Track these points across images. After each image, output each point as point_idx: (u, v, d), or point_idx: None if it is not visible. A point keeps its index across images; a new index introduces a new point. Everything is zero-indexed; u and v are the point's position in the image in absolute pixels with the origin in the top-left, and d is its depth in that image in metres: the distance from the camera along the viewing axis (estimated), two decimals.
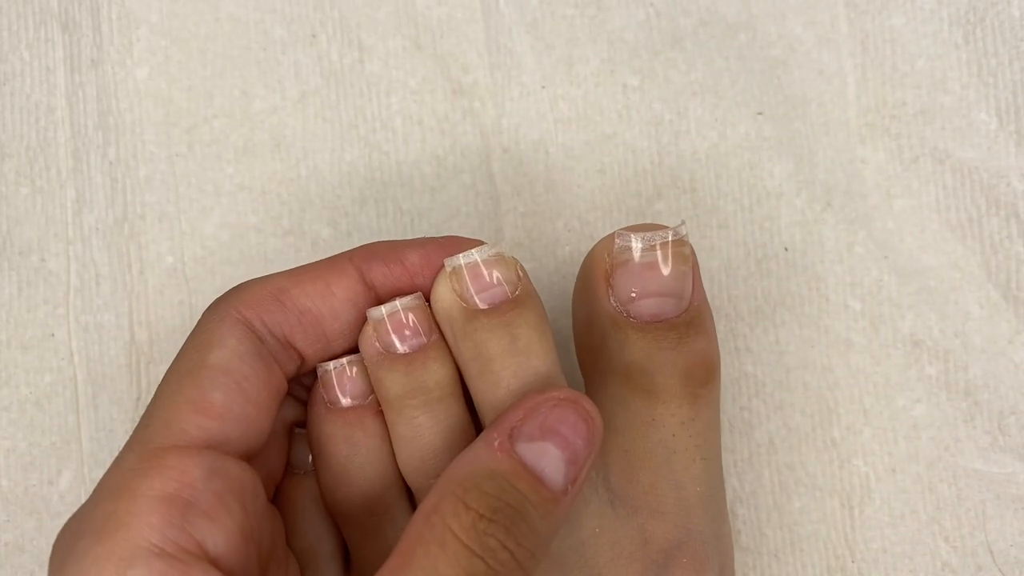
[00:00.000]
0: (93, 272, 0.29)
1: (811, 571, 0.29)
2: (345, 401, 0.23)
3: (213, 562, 0.19)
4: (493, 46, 0.30)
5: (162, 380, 0.22)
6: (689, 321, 0.23)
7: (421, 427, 0.22)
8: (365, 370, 0.23)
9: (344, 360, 0.24)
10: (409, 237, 0.29)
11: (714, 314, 0.29)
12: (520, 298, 0.22)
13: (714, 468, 0.24)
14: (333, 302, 0.23)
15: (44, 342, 0.29)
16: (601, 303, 0.23)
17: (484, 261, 0.22)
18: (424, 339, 0.23)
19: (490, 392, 0.22)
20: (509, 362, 0.22)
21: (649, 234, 0.23)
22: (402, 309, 0.23)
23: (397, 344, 0.23)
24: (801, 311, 0.29)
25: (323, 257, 0.29)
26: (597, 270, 0.23)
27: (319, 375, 0.24)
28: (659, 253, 0.23)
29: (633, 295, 0.23)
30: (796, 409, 0.29)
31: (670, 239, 0.23)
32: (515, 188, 0.30)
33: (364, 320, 0.23)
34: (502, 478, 0.19)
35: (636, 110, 0.30)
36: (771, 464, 0.29)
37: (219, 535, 0.19)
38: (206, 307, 0.23)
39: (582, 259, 0.29)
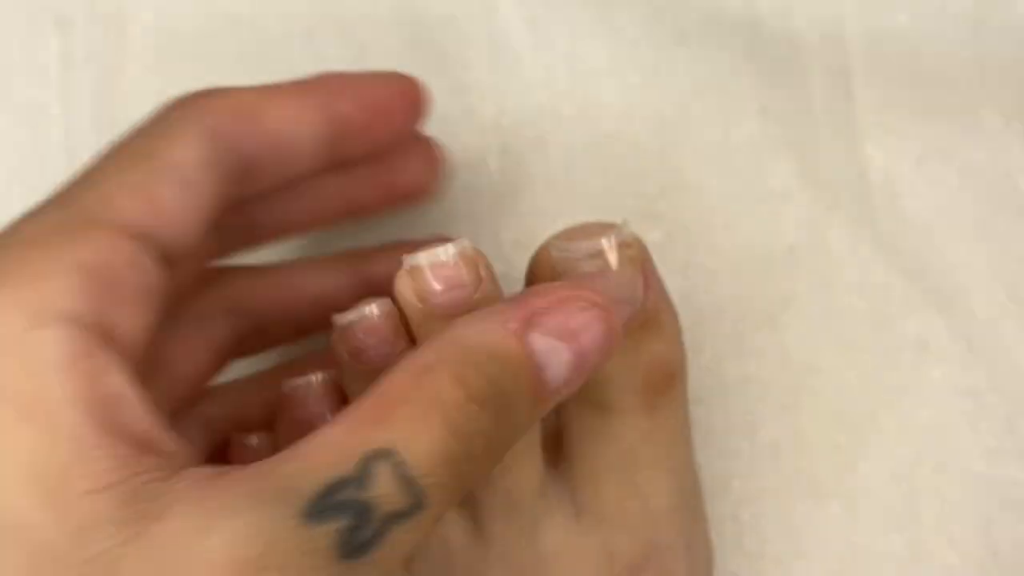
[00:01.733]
0: None
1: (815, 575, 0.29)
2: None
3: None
4: (493, 43, 0.30)
5: (102, 155, 0.20)
6: (643, 324, 0.21)
7: None
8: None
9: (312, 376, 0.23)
10: (410, 237, 0.29)
11: (718, 315, 0.29)
12: (479, 301, 0.20)
13: (684, 477, 0.23)
14: (302, 129, 0.21)
15: None
16: None
17: (444, 262, 0.21)
18: (390, 349, 0.21)
19: None
20: None
21: (587, 243, 0.21)
22: (372, 315, 0.21)
23: (368, 353, 0.21)
24: (806, 313, 0.29)
25: (316, 256, 0.29)
26: (544, 279, 0.21)
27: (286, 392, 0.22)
28: (601, 260, 0.21)
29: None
30: (801, 412, 0.29)
31: (606, 245, 0.21)
32: (515, 187, 0.29)
33: (324, 163, 0.22)
34: (506, 363, 0.18)
35: (638, 108, 0.30)
36: (775, 467, 0.29)
37: (129, 328, 0.18)
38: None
39: None
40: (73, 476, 0.16)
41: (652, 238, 0.29)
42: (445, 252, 0.21)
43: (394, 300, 0.22)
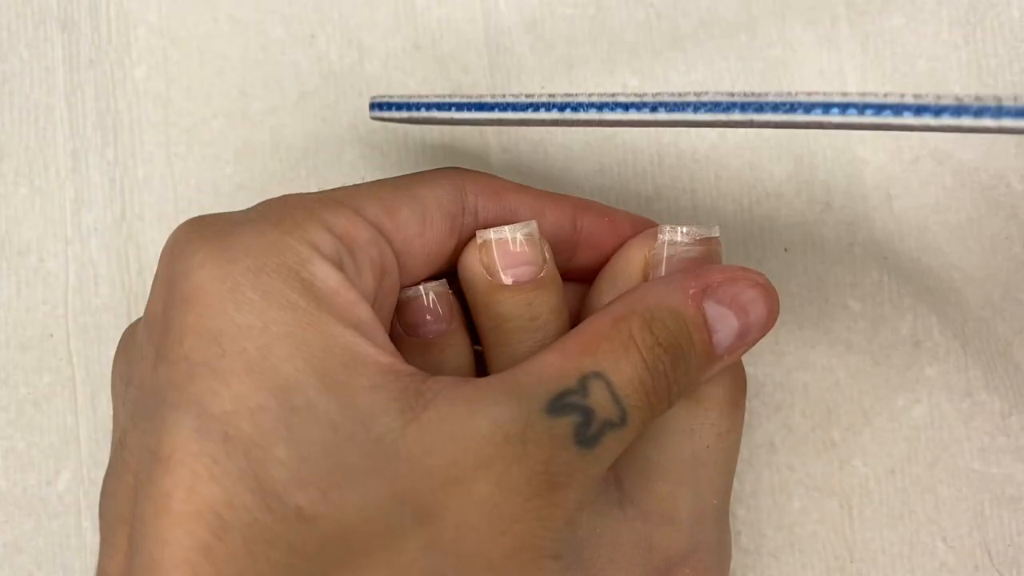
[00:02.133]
0: (92, 272, 0.29)
1: (810, 572, 0.29)
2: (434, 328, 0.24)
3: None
4: (493, 46, 0.30)
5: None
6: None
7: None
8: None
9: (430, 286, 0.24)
10: None
11: None
12: (544, 280, 0.23)
13: (731, 481, 0.24)
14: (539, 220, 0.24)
15: (43, 342, 0.29)
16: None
17: (514, 239, 0.23)
18: (444, 325, 0.23)
19: (506, 363, 0.23)
20: (526, 337, 0.23)
21: (692, 228, 0.23)
22: (426, 294, 0.23)
23: (423, 329, 0.23)
24: (801, 312, 0.29)
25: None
26: (633, 265, 0.24)
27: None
28: (703, 249, 0.23)
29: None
30: (796, 410, 0.29)
31: (712, 235, 0.23)
32: None
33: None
34: (684, 321, 0.21)
35: None
36: (771, 465, 0.29)
37: (363, 285, 0.21)
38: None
39: None
40: (352, 375, 0.19)
41: None
42: (514, 231, 0.23)
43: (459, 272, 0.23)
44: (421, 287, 0.23)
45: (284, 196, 0.21)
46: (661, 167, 0.30)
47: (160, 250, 0.29)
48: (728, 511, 0.25)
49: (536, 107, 0.21)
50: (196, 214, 0.29)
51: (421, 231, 0.22)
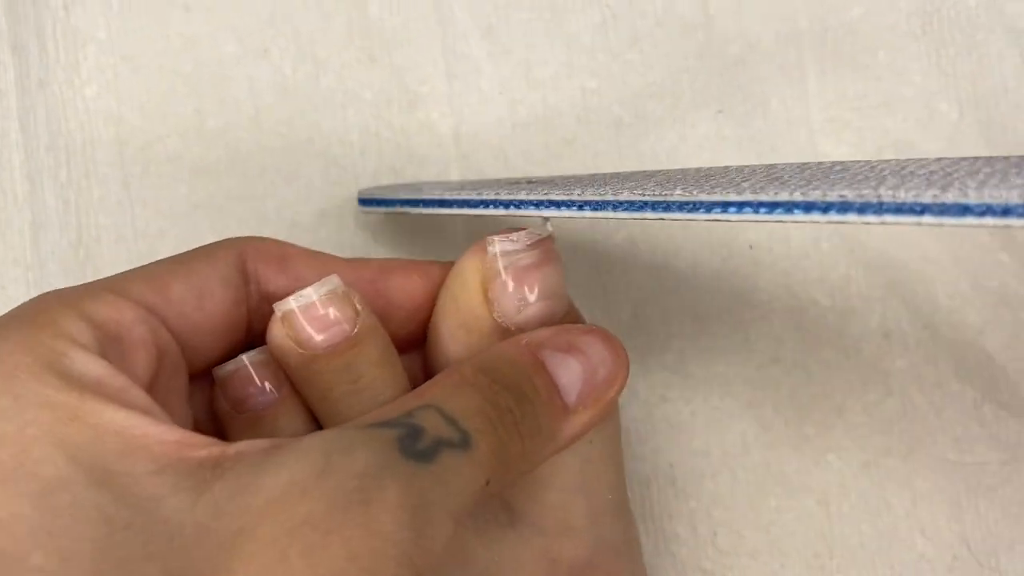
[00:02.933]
0: None
1: (790, 570, 0.29)
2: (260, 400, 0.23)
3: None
4: (449, 54, 0.30)
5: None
6: (565, 319, 0.22)
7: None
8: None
9: (244, 358, 0.23)
10: (372, 252, 0.29)
11: (681, 314, 0.29)
12: (360, 336, 0.21)
13: (620, 474, 0.24)
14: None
15: None
16: (480, 319, 0.22)
17: (318, 301, 0.21)
18: (273, 395, 0.22)
19: None
20: (355, 401, 0.21)
21: (521, 233, 0.22)
22: (248, 364, 0.22)
23: (249, 403, 0.22)
24: (769, 308, 0.29)
25: None
26: (470, 282, 0.22)
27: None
28: (538, 252, 0.22)
29: (519, 303, 0.22)
30: (768, 407, 0.29)
31: (545, 234, 0.22)
32: None
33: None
34: (522, 368, 0.20)
35: (595, 113, 0.30)
36: (745, 464, 0.29)
37: (135, 372, 0.20)
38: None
39: None
40: (129, 462, 0.17)
41: (615, 240, 0.29)
42: (317, 290, 0.21)
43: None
44: (242, 357, 0.22)
45: (41, 294, 0.20)
46: (623, 169, 0.30)
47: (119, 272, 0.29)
48: (627, 504, 0.24)
49: (509, 204, 0.22)
50: (154, 234, 0.29)
51: (199, 305, 0.21)
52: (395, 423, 0.18)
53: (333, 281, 0.21)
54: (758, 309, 0.29)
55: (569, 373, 0.21)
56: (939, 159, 0.20)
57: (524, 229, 0.22)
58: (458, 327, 0.22)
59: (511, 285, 0.22)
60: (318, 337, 0.21)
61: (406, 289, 0.23)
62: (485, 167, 0.29)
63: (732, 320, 0.29)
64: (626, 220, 0.29)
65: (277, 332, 0.21)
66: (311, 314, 0.21)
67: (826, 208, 0.17)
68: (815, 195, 0.17)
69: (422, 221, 0.29)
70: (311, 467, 0.17)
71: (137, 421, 0.18)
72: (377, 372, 0.22)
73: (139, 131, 0.29)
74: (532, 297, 0.22)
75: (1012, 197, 0.15)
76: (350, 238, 0.29)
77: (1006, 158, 0.20)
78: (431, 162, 0.29)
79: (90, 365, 0.18)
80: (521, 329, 0.22)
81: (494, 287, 0.22)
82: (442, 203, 0.23)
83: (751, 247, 0.29)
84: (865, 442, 0.29)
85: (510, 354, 0.21)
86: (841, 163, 0.21)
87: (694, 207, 0.19)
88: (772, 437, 0.29)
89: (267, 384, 0.22)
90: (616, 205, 0.20)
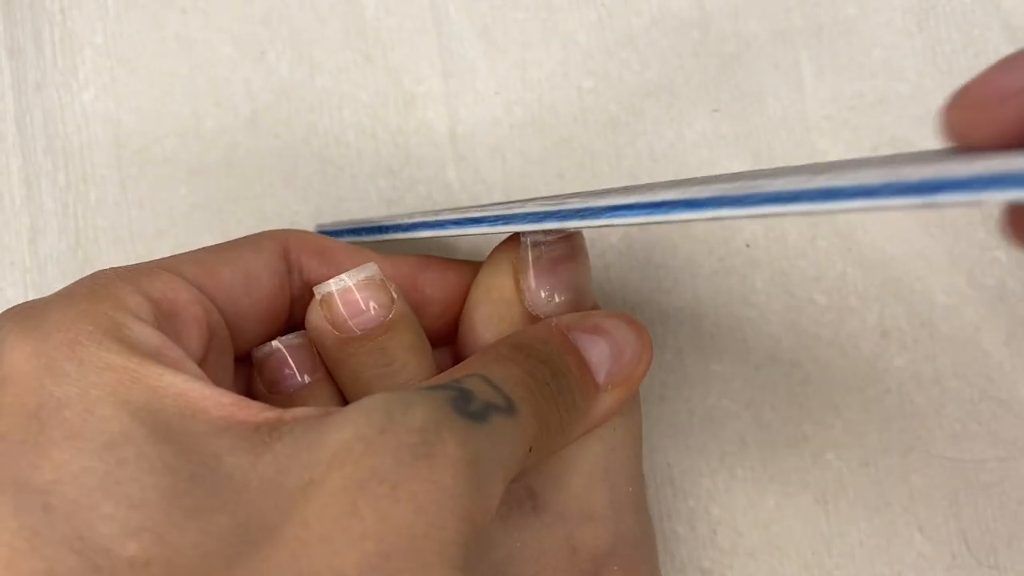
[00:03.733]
0: None
1: (788, 568, 0.29)
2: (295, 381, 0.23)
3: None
4: (445, 54, 0.30)
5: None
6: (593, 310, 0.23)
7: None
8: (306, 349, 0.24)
9: (282, 340, 0.24)
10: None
11: (679, 313, 0.29)
12: (394, 321, 0.22)
13: (641, 466, 0.24)
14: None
15: None
16: (511, 308, 0.23)
17: (355, 286, 0.22)
18: (307, 378, 0.23)
19: None
20: (387, 384, 0.22)
21: (551, 229, 0.23)
22: (283, 347, 0.23)
23: (283, 384, 0.23)
24: (766, 307, 0.29)
25: None
26: (503, 272, 0.23)
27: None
28: (567, 246, 0.23)
29: (548, 293, 0.23)
30: (766, 406, 0.29)
31: (572, 229, 0.23)
32: (473, 196, 0.29)
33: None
34: (553, 346, 0.21)
35: (592, 112, 0.30)
36: (743, 462, 0.29)
37: (187, 343, 0.21)
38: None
39: None
40: (188, 422, 0.18)
41: (611, 240, 0.29)
42: (353, 276, 0.22)
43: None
44: (276, 341, 0.23)
45: (98, 271, 0.21)
46: (620, 168, 0.30)
47: None
48: (645, 499, 0.24)
49: (464, 223, 0.23)
50: (151, 235, 0.29)
51: (247, 291, 0.22)
52: (447, 387, 0.19)
53: (371, 268, 0.23)
54: (755, 308, 0.29)
55: (598, 352, 0.22)
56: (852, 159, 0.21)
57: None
58: (490, 315, 0.23)
59: (542, 276, 0.23)
60: (354, 320, 0.22)
61: (440, 284, 0.24)
62: (482, 167, 0.29)
63: (729, 319, 0.29)
64: None
65: (315, 314, 0.23)
66: (348, 298, 0.22)
67: (703, 204, 0.17)
68: (696, 190, 0.18)
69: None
70: (374, 423, 0.17)
71: (195, 385, 0.19)
72: (409, 357, 0.22)
73: (136, 133, 0.29)
74: (560, 287, 0.23)
75: (871, 178, 0.15)
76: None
77: (914, 153, 0.20)
78: (428, 163, 0.29)
79: (149, 335, 0.19)
80: (549, 315, 0.23)
81: (526, 277, 0.23)
82: (414, 227, 0.24)
83: (748, 246, 0.29)
84: (863, 440, 0.29)
85: (542, 334, 0.21)
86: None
87: (590, 212, 0.20)
88: (770, 436, 0.29)
89: (301, 367, 0.23)
90: (523, 217, 0.21)
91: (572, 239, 0.23)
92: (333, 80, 0.29)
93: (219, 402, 0.19)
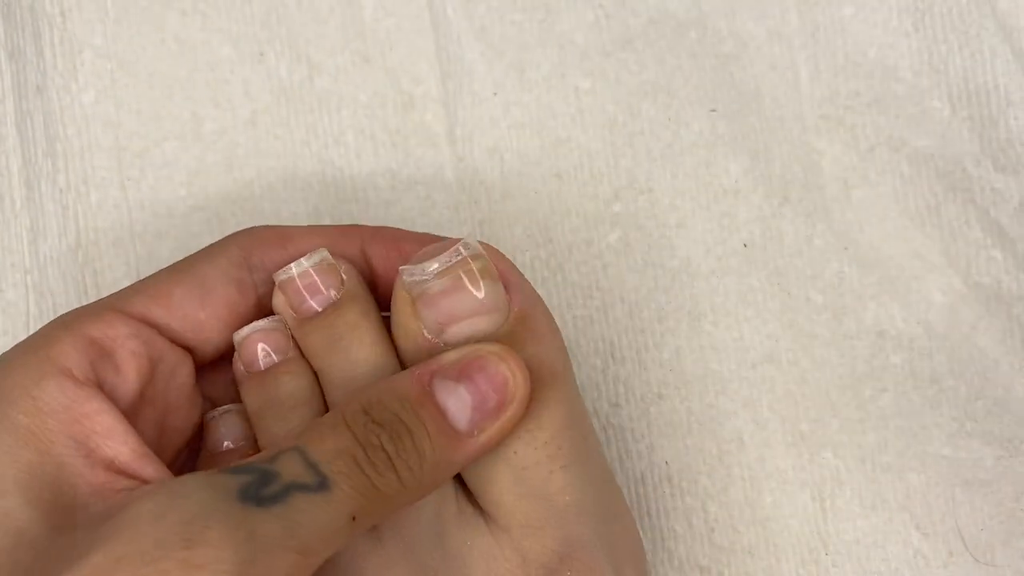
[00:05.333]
0: (51, 302, 0.29)
1: (785, 565, 0.29)
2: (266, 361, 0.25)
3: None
4: (443, 55, 0.30)
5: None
6: (511, 331, 0.23)
7: (276, 437, 0.24)
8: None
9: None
10: None
11: (676, 312, 0.29)
12: (341, 301, 0.24)
13: (583, 472, 0.24)
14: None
15: None
16: (416, 338, 0.23)
17: (308, 271, 0.24)
18: (279, 356, 0.24)
19: (328, 391, 0.24)
20: (334, 360, 0.24)
21: (431, 263, 0.23)
22: (253, 331, 0.24)
23: (258, 363, 0.24)
24: (763, 306, 0.29)
25: None
26: (402, 306, 0.23)
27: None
28: (455, 276, 0.23)
29: (438, 325, 0.23)
30: (763, 404, 0.29)
31: (450, 262, 0.23)
32: (471, 197, 0.30)
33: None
34: (407, 401, 0.22)
35: (589, 113, 0.30)
36: (740, 460, 0.29)
37: (123, 389, 0.23)
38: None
39: (543, 265, 0.29)
40: (55, 492, 0.21)
41: (609, 240, 0.30)
42: (305, 263, 0.24)
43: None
44: (250, 325, 0.24)
45: (56, 318, 0.23)
46: (617, 168, 0.30)
47: (118, 276, 0.29)
48: (608, 501, 0.24)
49: None
50: (151, 238, 0.29)
51: (201, 304, 0.24)
52: (249, 469, 0.20)
53: (321, 253, 0.24)
54: (752, 307, 0.29)
55: (458, 401, 0.22)
56: None
57: (450, 246, 0.23)
58: (401, 335, 0.24)
59: (426, 310, 0.23)
60: (305, 303, 0.24)
61: (385, 259, 0.25)
62: (480, 168, 0.30)
63: (727, 318, 0.29)
64: (620, 220, 0.29)
65: (278, 299, 0.24)
66: (302, 282, 0.24)
67: None
68: None
69: (419, 222, 0.29)
70: (151, 510, 0.19)
71: (83, 452, 0.21)
72: (354, 332, 0.24)
73: (136, 135, 0.29)
74: (448, 320, 0.23)
75: None
76: None
77: None
78: (426, 163, 0.30)
79: (61, 392, 0.22)
80: (449, 344, 0.23)
81: (418, 309, 0.23)
82: None
83: (745, 245, 0.29)
84: (860, 438, 0.29)
85: (400, 388, 0.22)
86: None
87: None
88: (767, 434, 0.29)
89: (270, 347, 0.24)
90: None
91: (451, 271, 0.23)
92: (332, 81, 0.30)
93: (88, 481, 0.21)
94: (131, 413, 0.23)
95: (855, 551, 0.29)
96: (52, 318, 0.29)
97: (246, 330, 0.25)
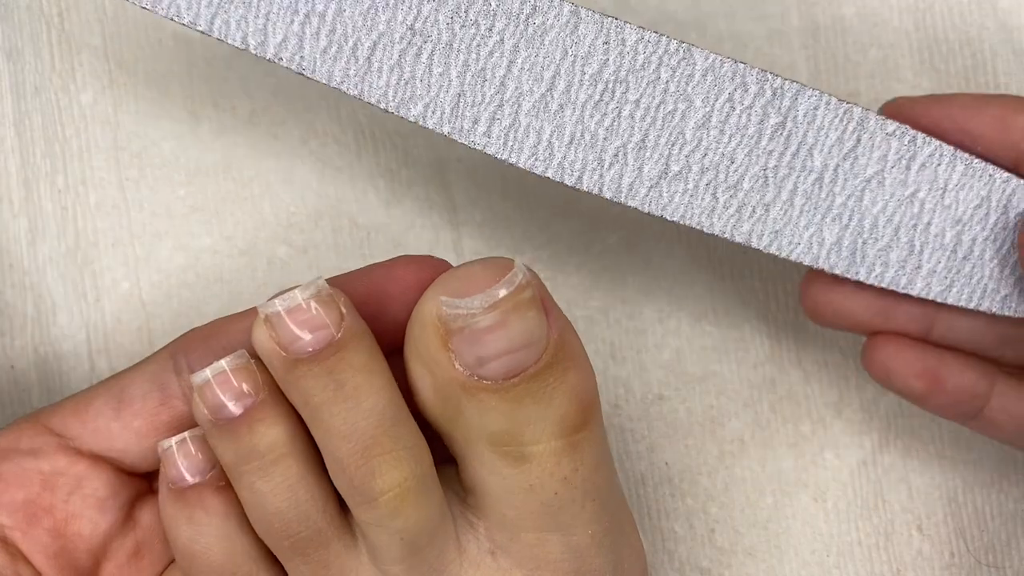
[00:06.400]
0: (49, 303, 0.29)
1: (787, 567, 0.29)
2: (188, 479, 0.22)
3: None
4: None
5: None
6: (551, 362, 0.21)
7: (260, 492, 0.22)
8: (205, 443, 0.22)
9: (185, 434, 0.23)
10: (367, 251, 0.29)
11: (677, 313, 0.29)
12: (343, 340, 0.21)
13: (609, 502, 0.23)
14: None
15: (4, 374, 0.29)
16: (445, 370, 0.21)
17: (301, 305, 0.21)
18: (251, 399, 0.21)
19: (323, 441, 0.22)
20: (337, 410, 0.21)
21: (481, 297, 0.20)
22: (228, 369, 0.22)
23: (228, 408, 0.21)
24: (764, 306, 0.29)
25: (279, 275, 0.29)
26: (430, 335, 0.21)
27: (160, 453, 0.23)
28: (504, 312, 0.20)
29: (477, 359, 0.20)
30: (764, 405, 0.29)
31: (503, 294, 0.20)
32: (471, 198, 0.29)
33: None
34: None
35: None
36: (742, 462, 0.29)
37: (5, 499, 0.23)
38: (164, 334, 0.24)
39: (543, 265, 0.29)
40: None
41: (610, 241, 0.29)
42: (298, 296, 0.21)
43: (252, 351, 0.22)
44: (213, 365, 0.22)
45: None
46: None
47: (117, 277, 0.29)
48: (621, 524, 0.23)
49: None
50: (150, 239, 0.29)
51: (116, 414, 0.23)
52: None
53: (319, 284, 0.21)
54: (753, 307, 0.29)
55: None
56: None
57: (498, 273, 0.20)
58: (422, 369, 0.22)
59: (465, 347, 0.20)
60: (302, 339, 0.21)
61: (405, 280, 0.23)
62: (480, 168, 0.30)
63: (728, 318, 0.29)
64: (621, 221, 0.29)
65: (261, 334, 0.21)
66: (296, 317, 0.21)
67: None
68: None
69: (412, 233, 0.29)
70: None
71: None
72: (361, 378, 0.21)
73: (135, 135, 0.29)
74: (491, 358, 0.20)
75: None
76: (345, 239, 0.29)
77: None
78: (425, 164, 0.29)
79: None
80: (483, 379, 0.20)
81: (454, 342, 0.21)
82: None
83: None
84: (862, 439, 0.29)
85: None
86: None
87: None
88: (769, 435, 0.29)
89: (244, 390, 0.21)
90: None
91: (501, 305, 0.20)
92: None
93: None
94: (27, 518, 0.23)
95: (857, 552, 0.29)
96: (51, 320, 0.29)
97: (208, 371, 0.21)
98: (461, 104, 0.22)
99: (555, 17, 0.22)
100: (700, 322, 0.29)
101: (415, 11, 0.22)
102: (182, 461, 0.22)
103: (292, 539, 0.22)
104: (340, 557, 0.22)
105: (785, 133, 0.23)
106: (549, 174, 0.22)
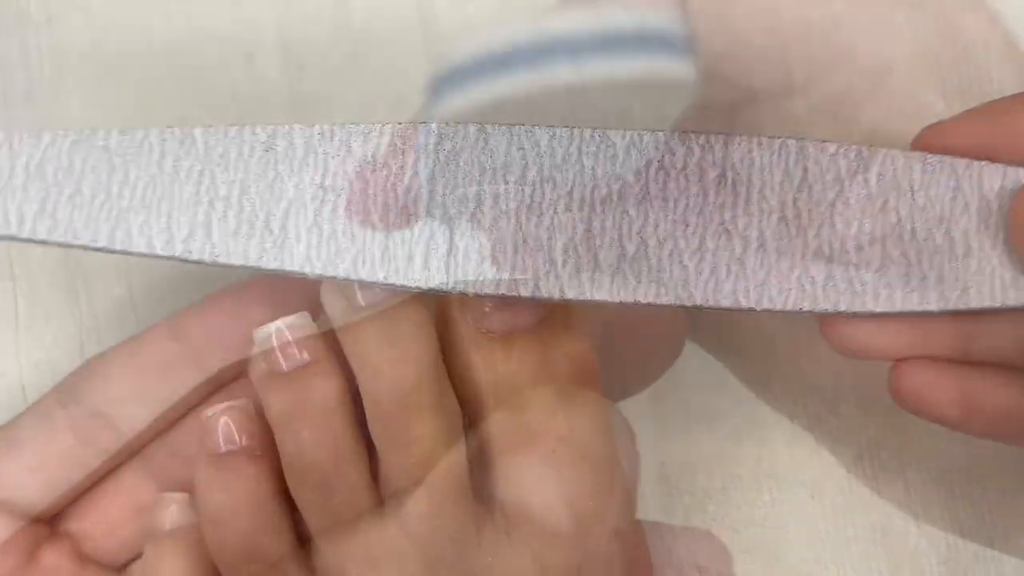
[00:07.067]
0: (42, 309, 0.29)
1: (784, 564, 0.29)
2: (225, 446, 0.23)
3: None
4: (432, 52, 0.30)
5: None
6: (555, 321, 0.22)
7: (304, 442, 0.23)
8: (243, 414, 0.23)
9: (225, 403, 0.24)
10: None
11: (679, 309, 0.29)
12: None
13: (610, 475, 0.23)
14: None
15: None
16: (456, 324, 0.23)
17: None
18: (310, 354, 0.23)
19: (369, 384, 0.23)
20: (388, 356, 0.22)
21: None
22: (289, 327, 0.23)
23: (287, 361, 0.23)
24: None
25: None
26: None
27: (202, 421, 0.24)
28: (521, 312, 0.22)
29: (487, 308, 0.22)
30: (760, 401, 0.29)
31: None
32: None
33: None
34: None
35: (582, 114, 0.30)
36: (738, 458, 0.29)
37: None
38: None
39: None
40: None
41: None
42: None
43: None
44: (276, 322, 0.23)
45: None
46: None
47: (109, 283, 0.29)
48: (625, 505, 0.24)
49: None
50: None
51: (8, 455, 0.24)
52: None
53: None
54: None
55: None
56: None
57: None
58: (442, 331, 0.23)
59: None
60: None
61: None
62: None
63: (724, 316, 0.29)
64: None
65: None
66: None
67: None
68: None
69: None
70: None
71: None
72: (416, 331, 0.23)
73: None
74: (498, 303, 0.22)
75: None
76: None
77: None
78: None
79: None
80: (494, 331, 0.22)
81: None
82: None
83: None
84: (858, 435, 0.29)
85: None
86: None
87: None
88: (765, 432, 0.29)
89: (296, 349, 0.23)
90: None
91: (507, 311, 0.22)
92: (321, 82, 0.29)
93: None
94: None
95: (854, 548, 0.29)
96: (42, 327, 0.29)
97: (217, 408, 0.23)
98: (390, 245, 0.22)
99: (463, 139, 0.22)
100: (695, 320, 0.29)
101: (322, 168, 0.22)
102: (222, 428, 0.23)
103: (326, 497, 0.23)
104: (369, 526, 0.23)
105: (729, 183, 0.22)
106: (503, 291, 0.21)
